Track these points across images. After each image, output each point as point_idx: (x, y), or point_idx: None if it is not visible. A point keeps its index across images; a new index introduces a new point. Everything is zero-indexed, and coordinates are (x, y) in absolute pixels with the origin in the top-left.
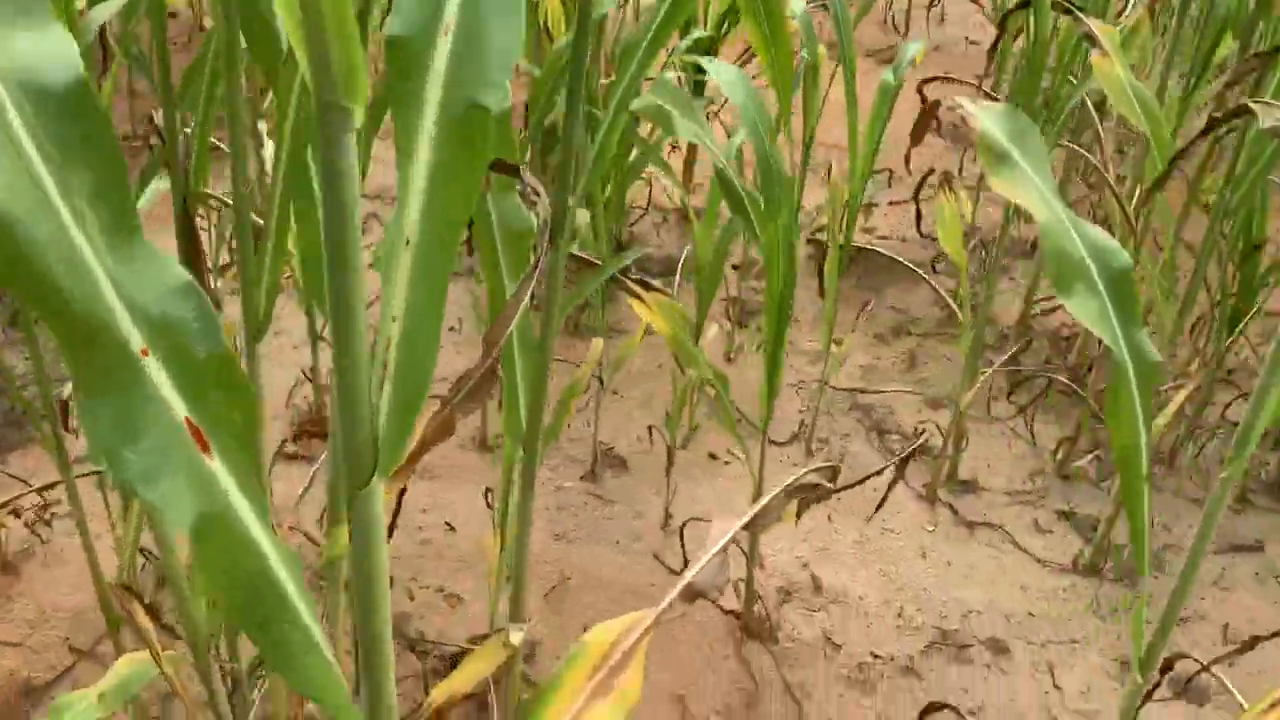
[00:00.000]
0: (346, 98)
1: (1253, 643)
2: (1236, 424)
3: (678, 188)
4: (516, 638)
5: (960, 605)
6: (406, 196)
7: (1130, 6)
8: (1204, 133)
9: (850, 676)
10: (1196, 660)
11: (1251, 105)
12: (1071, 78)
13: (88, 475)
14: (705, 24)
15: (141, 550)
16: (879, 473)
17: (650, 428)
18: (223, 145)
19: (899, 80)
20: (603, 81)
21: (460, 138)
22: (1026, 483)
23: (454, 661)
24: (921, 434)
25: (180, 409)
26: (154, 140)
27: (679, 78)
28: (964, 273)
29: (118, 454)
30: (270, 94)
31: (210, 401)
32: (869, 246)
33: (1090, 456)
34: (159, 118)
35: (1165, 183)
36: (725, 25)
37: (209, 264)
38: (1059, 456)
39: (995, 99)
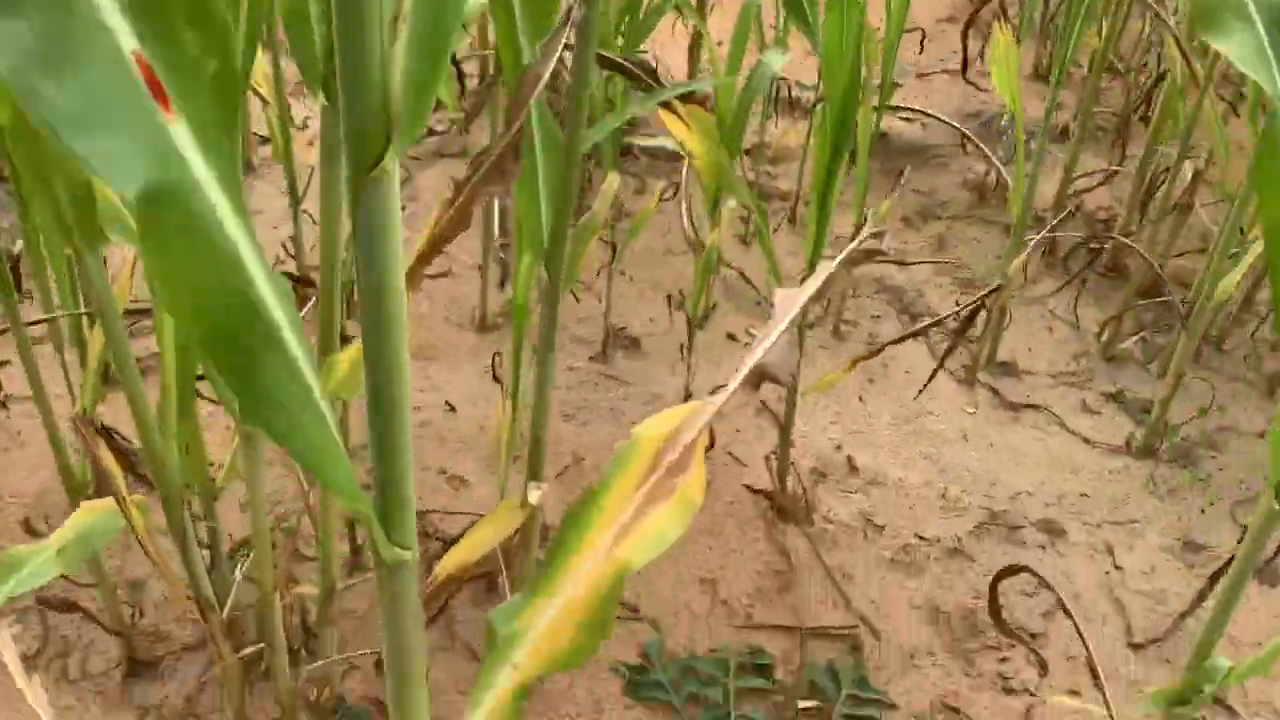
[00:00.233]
0: None
1: None
2: None
3: (693, 16)
4: (535, 495)
5: (1008, 487)
6: None
7: None
8: None
9: (894, 559)
10: None
11: None
12: None
13: (40, 322)
14: None
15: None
16: (905, 339)
17: (669, 298)
18: None
19: None
20: None
21: None
22: (1070, 364)
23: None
24: (962, 313)
25: (128, 40)
26: None
27: None
28: (1018, 108)
29: (36, 90)
30: None
31: (178, 41)
32: (902, 120)
33: (1135, 338)
34: None
35: None
36: None
37: None
38: (1103, 338)
39: None
